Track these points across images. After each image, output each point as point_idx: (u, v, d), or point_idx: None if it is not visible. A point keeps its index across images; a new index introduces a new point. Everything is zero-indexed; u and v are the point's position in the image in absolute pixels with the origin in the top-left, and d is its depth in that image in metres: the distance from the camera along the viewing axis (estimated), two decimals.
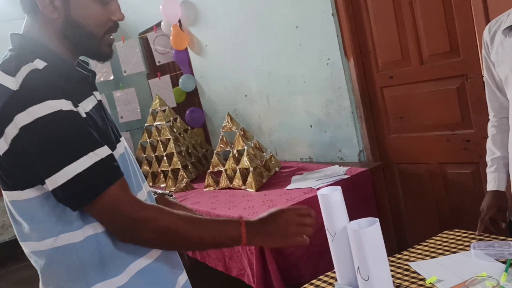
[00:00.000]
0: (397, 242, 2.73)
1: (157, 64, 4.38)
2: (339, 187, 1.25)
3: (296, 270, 2.22)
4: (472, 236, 1.52)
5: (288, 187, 2.62)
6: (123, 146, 1.15)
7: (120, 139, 1.15)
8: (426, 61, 2.43)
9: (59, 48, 1.07)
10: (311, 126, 3.11)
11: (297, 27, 2.94)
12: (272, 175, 2.98)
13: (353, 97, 2.77)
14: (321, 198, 1.25)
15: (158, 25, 4.22)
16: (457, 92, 2.33)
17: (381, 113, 2.73)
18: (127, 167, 1.12)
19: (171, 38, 3.96)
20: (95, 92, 1.14)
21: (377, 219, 1.17)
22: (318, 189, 2.36)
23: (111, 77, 4.52)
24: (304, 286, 1.43)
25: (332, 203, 1.23)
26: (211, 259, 2.57)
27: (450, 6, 2.23)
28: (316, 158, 3.17)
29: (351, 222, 1.22)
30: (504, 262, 1.29)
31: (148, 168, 3.64)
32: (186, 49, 4.05)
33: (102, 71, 4.47)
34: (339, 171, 2.63)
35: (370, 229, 1.15)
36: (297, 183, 2.63)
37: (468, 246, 1.43)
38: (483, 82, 1.68)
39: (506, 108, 1.57)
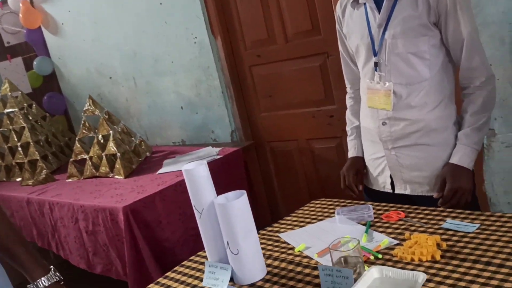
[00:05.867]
0: (271, 217, 2.79)
1: (6, 45, 3.91)
2: (205, 161, 1.19)
3: (173, 255, 2.14)
4: (337, 203, 1.58)
5: (159, 171, 2.51)
6: None
7: None
8: (290, 39, 2.48)
9: None
10: (182, 107, 3.01)
11: (161, 3, 2.80)
12: (142, 161, 2.83)
13: (222, 76, 2.73)
14: (186, 173, 1.17)
15: (5, 1, 3.74)
16: (320, 69, 2.42)
17: (250, 92, 2.74)
18: None
19: (20, 15, 3.55)
20: None
21: (245, 191, 1.14)
22: None
23: None
24: (175, 268, 1.36)
25: (198, 178, 1.16)
26: (73, 256, 2.36)
27: None
28: (189, 140, 3.09)
29: (218, 196, 1.17)
30: (365, 225, 1.35)
31: (0, 161, 3.23)
32: (39, 28, 3.66)
33: None
34: (212, 152, 2.59)
35: (237, 202, 1.11)
36: (169, 167, 2.54)
37: (333, 213, 1.48)
38: None
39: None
